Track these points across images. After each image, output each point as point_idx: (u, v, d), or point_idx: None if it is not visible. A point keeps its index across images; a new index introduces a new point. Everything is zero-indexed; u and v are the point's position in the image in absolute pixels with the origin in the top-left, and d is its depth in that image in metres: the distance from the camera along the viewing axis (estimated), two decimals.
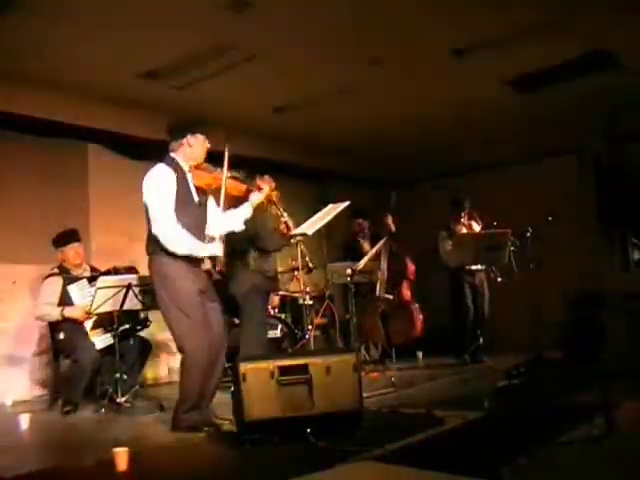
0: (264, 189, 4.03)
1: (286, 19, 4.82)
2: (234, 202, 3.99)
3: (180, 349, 3.62)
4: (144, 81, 5.76)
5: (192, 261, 3.66)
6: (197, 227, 3.70)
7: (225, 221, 3.89)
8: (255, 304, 4.72)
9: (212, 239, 3.73)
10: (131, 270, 4.94)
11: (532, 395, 4.19)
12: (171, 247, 3.57)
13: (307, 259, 4.81)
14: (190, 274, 3.64)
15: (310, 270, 4.92)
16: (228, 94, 6.07)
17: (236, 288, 4.81)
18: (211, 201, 3.90)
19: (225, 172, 3.74)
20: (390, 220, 6.37)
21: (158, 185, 3.62)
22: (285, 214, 4.50)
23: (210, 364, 3.63)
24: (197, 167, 3.78)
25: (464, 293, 6.34)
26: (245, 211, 3.96)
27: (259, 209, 4.44)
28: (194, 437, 3.43)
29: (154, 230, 3.59)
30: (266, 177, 4.67)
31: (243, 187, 3.92)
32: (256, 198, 3.98)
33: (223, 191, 3.71)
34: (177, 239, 3.58)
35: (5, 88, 5.47)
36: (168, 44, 5.11)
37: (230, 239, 4.83)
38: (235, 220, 3.94)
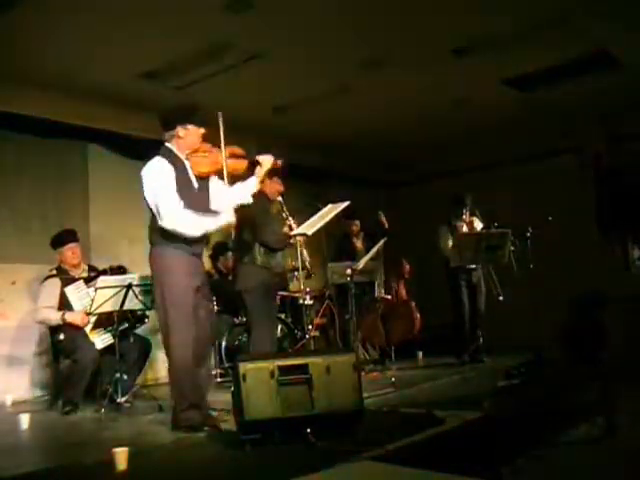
0: (265, 162, 3.93)
1: (286, 19, 4.83)
2: (240, 178, 3.96)
3: (165, 343, 3.62)
4: (144, 81, 5.77)
5: (192, 254, 3.66)
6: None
7: (233, 195, 3.83)
8: (262, 300, 4.69)
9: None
10: (121, 270, 4.94)
11: (532, 395, 4.18)
12: (184, 230, 3.53)
13: (307, 264, 4.83)
14: (188, 269, 3.62)
15: (309, 276, 4.94)
16: (228, 94, 6.07)
17: (242, 284, 4.76)
18: (215, 180, 3.86)
19: (223, 152, 3.67)
20: (384, 218, 6.40)
21: (156, 176, 3.58)
22: (290, 218, 4.61)
23: (196, 360, 3.63)
24: (194, 152, 3.73)
25: (460, 290, 6.34)
26: (251, 183, 3.88)
27: (262, 208, 4.43)
28: (194, 437, 3.43)
29: (161, 221, 3.52)
30: (275, 178, 4.73)
31: (244, 163, 3.83)
32: (261, 171, 3.91)
33: (225, 171, 3.66)
34: (186, 221, 3.53)
35: (5, 88, 5.47)
36: (168, 44, 5.12)
37: (236, 235, 4.84)
38: (243, 193, 3.86)
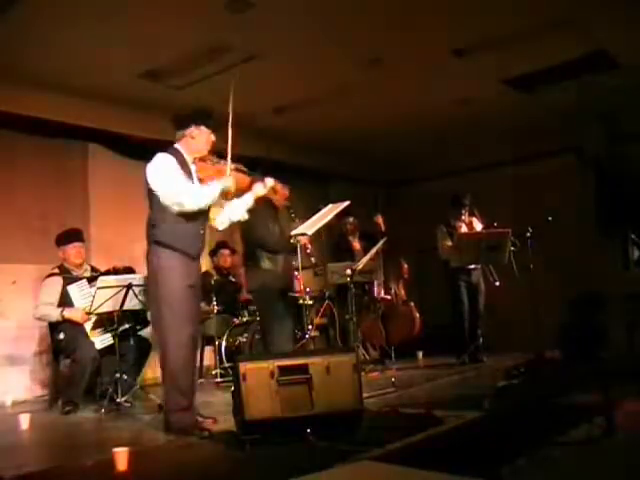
0: (268, 184, 4.06)
1: (286, 19, 4.82)
2: (238, 194, 4.01)
3: (161, 344, 3.58)
4: (144, 81, 5.77)
5: (187, 255, 3.64)
6: (198, 219, 3.70)
7: (228, 211, 3.96)
8: (268, 302, 4.75)
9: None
10: (129, 270, 4.95)
11: (532, 395, 4.18)
12: (192, 204, 3.54)
13: (312, 260, 4.90)
14: (182, 269, 3.60)
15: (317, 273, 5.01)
16: (228, 94, 6.05)
17: (249, 286, 4.98)
18: None
19: (229, 164, 3.73)
20: (381, 220, 6.40)
21: (162, 166, 3.60)
22: (297, 220, 4.71)
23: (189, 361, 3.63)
24: (201, 159, 3.77)
25: (460, 290, 6.34)
26: (247, 200, 4.02)
27: (264, 213, 4.47)
28: (193, 437, 3.42)
29: (166, 199, 3.54)
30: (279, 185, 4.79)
31: (247, 180, 3.90)
32: (259, 190, 4.04)
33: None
34: (190, 195, 3.56)
35: (5, 88, 5.47)
36: (168, 44, 5.11)
37: (244, 239, 4.88)
38: (238, 209, 4.00)
